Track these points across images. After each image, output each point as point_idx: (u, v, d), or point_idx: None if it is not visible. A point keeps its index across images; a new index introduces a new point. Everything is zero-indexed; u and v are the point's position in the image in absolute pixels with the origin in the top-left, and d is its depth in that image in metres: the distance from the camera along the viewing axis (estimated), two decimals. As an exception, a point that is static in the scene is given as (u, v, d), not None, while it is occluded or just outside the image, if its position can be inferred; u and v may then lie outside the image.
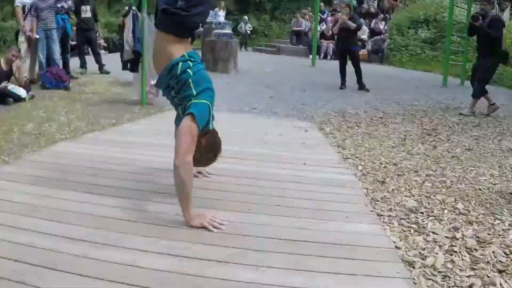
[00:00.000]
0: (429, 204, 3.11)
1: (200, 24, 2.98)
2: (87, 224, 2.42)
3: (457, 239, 2.58)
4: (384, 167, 3.95)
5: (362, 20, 16.20)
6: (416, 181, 3.61)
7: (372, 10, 17.82)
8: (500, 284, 2.11)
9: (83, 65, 9.43)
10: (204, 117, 2.50)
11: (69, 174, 3.20)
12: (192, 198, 2.47)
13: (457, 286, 2.09)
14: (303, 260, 2.14)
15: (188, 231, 2.39)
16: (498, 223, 2.86)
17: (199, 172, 3.21)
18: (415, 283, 2.06)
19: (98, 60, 9.59)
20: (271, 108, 6.83)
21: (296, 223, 2.57)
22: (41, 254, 2.07)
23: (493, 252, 2.43)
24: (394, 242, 2.47)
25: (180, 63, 2.55)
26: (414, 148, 4.79)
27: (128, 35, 6.45)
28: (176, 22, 2.53)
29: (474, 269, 2.24)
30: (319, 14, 17.18)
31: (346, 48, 9.06)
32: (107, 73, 9.36)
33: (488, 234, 2.68)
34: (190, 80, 2.54)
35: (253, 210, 2.72)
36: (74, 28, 9.88)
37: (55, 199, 2.74)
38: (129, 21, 6.55)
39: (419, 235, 2.61)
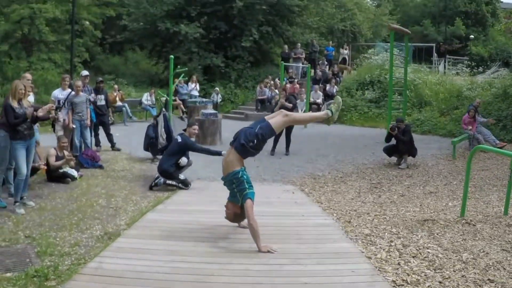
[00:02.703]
0: (376, 231, 5.64)
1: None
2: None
3: (392, 245, 5.10)
4: (349, 213, 6.50)
5: (315, 86, 19.43)
6: (368, 219, 6.16)
7: (327, 75, 20.84)
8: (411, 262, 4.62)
9: (97, 143, 11.47)
10: (253, 197, 4.98)
11: (186, 232, 5.49)
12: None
13: (393, 264, 4.57)
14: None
15: (260, 253, 4.79)
16: (414, 236, 5.41)
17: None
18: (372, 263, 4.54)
19: (110, 139, 11.64)
20: (260, 175, 9.27)
21: (302, 246, 5.03)
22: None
23: (411, 250, 4.95)
24: (360, 249, 4.96)
25: (241, 172, 5.05)
26: (366, 198, 7.42)
27: (161, 130, 9.01)
28: (246, 151, 5.04)
29: (400, 258, 4.75)
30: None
31: None
32: (118, 150, 11.52)
33: (408, 242, 5.21)
34: (245, 181, 5.03)
35: (279, 241, 5.16)
36: None
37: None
38: (161, 120, 9.16)
39: (373, 245, 5.11)
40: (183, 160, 7.90)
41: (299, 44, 23.39)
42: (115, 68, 25.62)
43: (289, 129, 11.45)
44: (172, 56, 12.55)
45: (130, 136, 13.46)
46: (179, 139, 7.99)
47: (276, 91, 19.18)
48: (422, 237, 5.38)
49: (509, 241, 5.30)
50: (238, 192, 5.01)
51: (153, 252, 4.77)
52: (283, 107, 11.47)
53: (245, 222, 5.34)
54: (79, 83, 10.09)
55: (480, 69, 23.30)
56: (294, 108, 11.29)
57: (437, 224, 5.89)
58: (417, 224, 5.91)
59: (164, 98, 13.43)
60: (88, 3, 22.27)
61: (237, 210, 5.16)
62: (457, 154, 11.07)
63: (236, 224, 5.56)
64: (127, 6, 24.02)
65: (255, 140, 5.02)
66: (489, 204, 7.11)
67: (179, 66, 13.36)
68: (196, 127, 8.30)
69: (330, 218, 6.21)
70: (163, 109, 9.64)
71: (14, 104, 6.30)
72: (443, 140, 13.91)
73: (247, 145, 5.00)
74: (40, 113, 6.54)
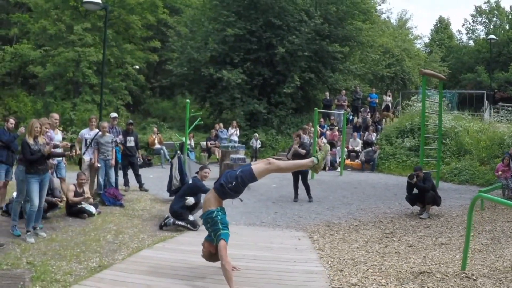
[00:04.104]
0: (365, 281, 5.57)
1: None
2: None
3: (373, 297, 5.04)
4: (345, 261, 6.44)
5: (355, 133, 19.42)
6: (362, 269, 6.09)
7: (367, 123, 20.78)
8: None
9: (126, 183, 12.03)
10: (227, 237, 5.10)
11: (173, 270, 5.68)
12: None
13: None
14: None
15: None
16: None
17: (234, 267, 5.72)
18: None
19: (138, 180, 12.17)
20: (275, 221, 9.37)
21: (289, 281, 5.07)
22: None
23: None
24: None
25: (215, 212, 5.20)
26: (371, 248, 7.31)
27: (175, 172, 9.43)
28: (224, 192, 5.22)
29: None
30: (318, 127, 20.32)
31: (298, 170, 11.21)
32: (146, 190, 11.97)
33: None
34: (219, 221, 5.17)
35: (257, 285, 5.22)
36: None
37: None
38: (175, 162, 9.63)
39: (353, 296, 5.08)
40: (190, 200, 8.20)
41: (344, 91, 23.52)
42: (164, 111, 26.68)
43: (304, 175, 11.56)
44: (188, 100, 12.97)
45: (163, 178, 13.81)
46: (190, 181, 8.36)
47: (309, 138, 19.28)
48: (410, 290, 5.30)
49: (508, 298, 5.12)
50: (212, 232, 5.17)
51: (130, 285, 5.01)
52: (296, 153, 11.64)
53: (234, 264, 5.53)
54: (105, 124, 10.74)
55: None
56: (307, 154, 11.36)
57: (432, 277, 5.75)
58: (410, 276, 5.79)
59: (180, 142, 13.95)
60: (132, 47, 23.55)
61: (212, 250, 5.31)
62: (486, 205, 10.69)
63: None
64: (173, 51, 25.16)
65: (234, 182, 5.20)
66: (500, 257, 6.81)
67: (192, 110, 13.80)
68: (208, 170, 8.61)
69: (321, 266, 6.18)
70: (178, 152, 10.14)
71: (30, 141, 6.99)
72: (479, 190, 13.46)
73: (226, 186, 5.19)
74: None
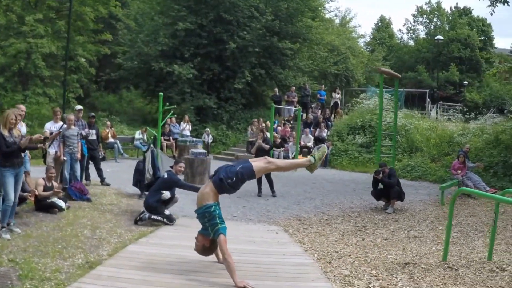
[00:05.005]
0: (356, 272, 5.72)
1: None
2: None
3: (370, 287, 5.17)
4: (330, 254, 6.57)
5: (306, 129, 19.76)
6: (349, 261, 6.24)
7: (318, 119, 21.19)
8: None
9: (87, 177, 11.57)
10: (225, 233, 5.08)
11: (160, 264, 5.56)
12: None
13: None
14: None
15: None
16: (393, 278, 5.49)
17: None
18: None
19: (100, 174, 11.80)
20: (246, 215, 9.40)
21: (279, 283, 5.10)
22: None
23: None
24: (336, 290, 5.04)
25: (213, 206, 5.17)
26: (349, 240, 7.50)
27: (148, 166, 9.22)
28: (223, 187, 5.17)
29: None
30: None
31: None
32: (108, 185, 11.61)
33: (386, 284, 5.29)
34: (217, 216, 5.14)
35: (262, 277, 5.22)
36: None
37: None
38: (148, 156, 9.40)
39: (350, 286, 5.19)
40: (166, 194, 8.08)
41: (294, 87, 23.86)
42: (110, 105, 26.11)
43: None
44: (161, 94, 12.88)
45: (120, 172, 13.72)
46: (165, 175, 8.22)
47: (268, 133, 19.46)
48: (401, 280, 5.46)
49: (491, 286, 5.39)
50: (210, 226, 5.13)
51: (129, 281, 4.87)
52: (260, 147, 11.81)
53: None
54: (72, 116, 10.37)
55: (473, 115, 23.67)
56: (271, 149, 11.54)
57: (418, 268, 5.98)
58: (397, 267, 5.99)
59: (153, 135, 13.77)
60: (83, 40, 22.84)
61: (206, 243, 5.30)
62: (445, 200, 11.21)
63: (216, 259, 5.66)
64: (123, 45, 24.62)
65: (234, 178, 5.18)
66: (474, 249, 7.21)
67: (167, 103, 13.62)
68: (182, 164, 8.52)
69: (310, 258, 6.29)
70: (151, 145, 9.97)
71: (5, 133, 6.59)
72: (432, 186, 14.09)
73: (225, 181, 5.15)
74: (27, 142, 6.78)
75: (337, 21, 37.56)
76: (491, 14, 15.19)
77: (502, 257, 6.73)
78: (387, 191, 10.30)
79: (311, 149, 19.14)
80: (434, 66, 37.51)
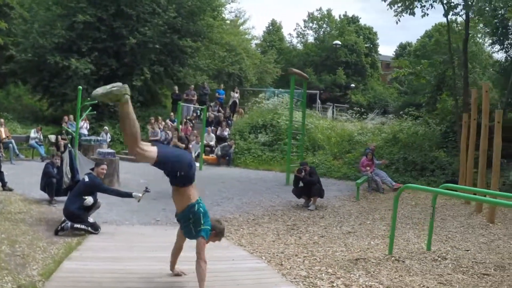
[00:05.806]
0: (312, 272, 5.48)
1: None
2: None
3: (334, 286, 4.96)
4: (277, 255, 6.28)
5: (208, 128, 19.40)
6: (299, 261, 5.99)
7: (219, 118, 20.93)
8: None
9: None
10: (207, 234, 4.66)
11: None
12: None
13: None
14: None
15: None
16: (352, 275, 5.33)
17: (182, 271, 5.12)
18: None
19: (1, 178, 10.36)
20: (169, 218, 8.70)
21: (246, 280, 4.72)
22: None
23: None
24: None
25: (196, 205, 4.69)
26: (287, 240, 7.27)
27: (66, 168, 8.19)
28: (181, 181, 4.64)
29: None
30: (169, 122, 19.90)
31: None
32: (10, 190, 10.22)
33: (349, 282, 5.10)
34: (201, 216, 4.67)
35: (225, 286, 4.79)
36: None
37: None
38: (66, 157, 8.34)
39: (315, 287, 4.93)
40: (89, 200, 7.21)
41: (193, 86, 23.36)
42: (-4, 102, 23.62)
43: None
44: (80, 87, 11.63)
45: (19, 175, 12.06)
46: (86, 179, 7.38)
47: (169, 132, 18.82)
48: (360, 276, 5.35)
49: (440, 274, 5.48)
50: (194, 227, 4.76)
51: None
52: (176, 146, 11.38)
53: (179, 268, 5.15)
54: None
55: (359, 115, 24.91)
56: (187, 148, 11.35)
57: (370, 263, 5.92)
58: (350, 264, 5.87)
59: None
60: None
61: (213, 240, 5.06)
62: (360, 195, 11.49)
63: (170, 272, 5.19)
64: (15, 35, 22.41)
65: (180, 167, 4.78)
66: (409, 241, 7.36)
67: (88, 98, 12.42)
68: (104, 166, 7.76)
69: (261, 261, 5.95)
70: (69, 145, 8.78)
71: None
72: (339, 182, 14.43)
73: (176, 176, 4.76)
74: None
75: (239, 22, 37.61)
76: (397, 23, 16.41)
77: (437, 247, 6.92)
78: (308, 188, 10.28)
79: (213, 148, 18.95)
80: (322, 69, 39.03)
